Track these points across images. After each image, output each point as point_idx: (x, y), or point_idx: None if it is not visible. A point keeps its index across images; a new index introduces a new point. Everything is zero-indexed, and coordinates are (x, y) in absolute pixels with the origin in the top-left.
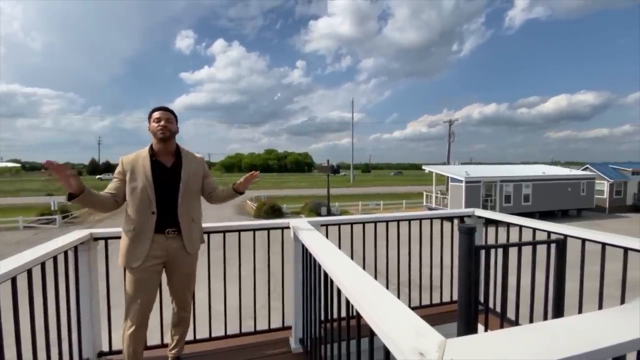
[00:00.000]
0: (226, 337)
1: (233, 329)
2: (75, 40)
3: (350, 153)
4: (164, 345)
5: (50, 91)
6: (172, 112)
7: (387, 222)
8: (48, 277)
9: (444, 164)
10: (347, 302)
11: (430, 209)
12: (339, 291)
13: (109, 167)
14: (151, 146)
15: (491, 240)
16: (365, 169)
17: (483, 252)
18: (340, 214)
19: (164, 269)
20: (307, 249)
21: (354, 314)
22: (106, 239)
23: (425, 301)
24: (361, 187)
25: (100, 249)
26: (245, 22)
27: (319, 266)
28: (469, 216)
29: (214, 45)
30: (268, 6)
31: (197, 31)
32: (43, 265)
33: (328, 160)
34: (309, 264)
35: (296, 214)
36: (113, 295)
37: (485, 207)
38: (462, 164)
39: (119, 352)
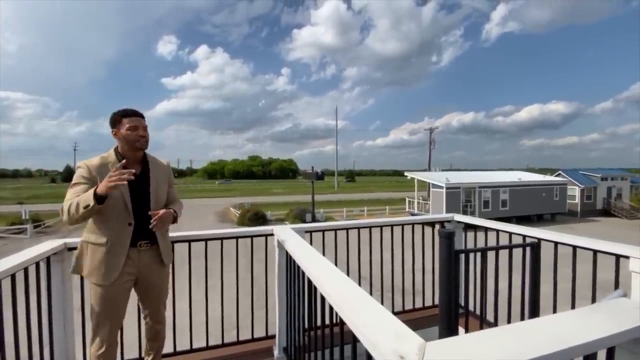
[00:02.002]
0: (208, 348)
1: (215, 340)
2: (52, 42)
3: (335, 159)
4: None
5: (24, 95)
6: (144, 117)
7: (370, 227)
8: (18, 289)
9: (425, 170)
10: (331, 309)
11: (412, 214)
12: (322, 298)
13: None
14: (116, 152)
15: (470, 245)
16: (349, 176)
17: (462, 256)
18: (325, 220)
19: (134, 285)
20: (291, 257)
21: (338, 321)
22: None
23: (408, 305)
24: (345, 193)
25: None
26: (231, 29)
27: (303, 273)
28: (449, 221)
29: (197, 51)
30: (254, 14)
31: (180, 36)
32: (13, 277)
33: (312, 167)
34: (293, 271)
35: (280, 220)
36: (88, 309)
37: (465, 212)
38: (443, 170)
39: None
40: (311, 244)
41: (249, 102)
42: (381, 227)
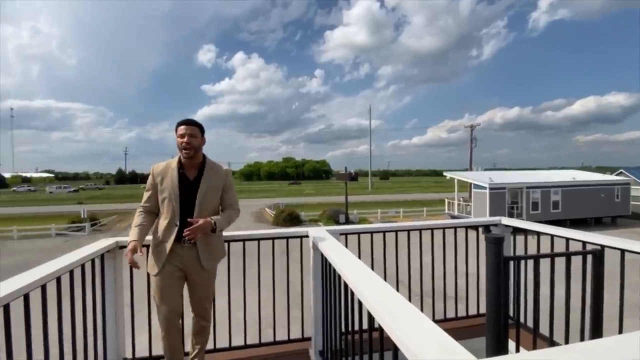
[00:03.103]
0: (246, 346)
1: (252, 338)
2: (106, 55)
3: (368, 160)
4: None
5: (82, 105)
6: (197, 124)
7: (408, 231)
8: (76, 284)
9: (466, 170)
10: (369, 314)
11: (452, 216)
12: (360, 303)
13: (135, 177)
14: (179, 158)
15: (520, 251)
16: (384, 176)
17: (512, 263)
18: (358, 222)
19: (186, 278)
20: (326, 259)
21: (376, 326)
22: None
23: (450, 313)
24: (380, 194)
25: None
26: (266, 35)
27: (339, 277)
28: (495, 225)
29: (234, 57)
30: (288, 19)
31: (219, 45)
32: (71, 272)
33: (346, 168)
34: (328, 274)
35: (314, 221)
36: (136, 302)
37: (511, 215)
38: (486, 169)
39: (143, 358)
40: (346, 246)
41: (283, 105)
42: (420, 230)
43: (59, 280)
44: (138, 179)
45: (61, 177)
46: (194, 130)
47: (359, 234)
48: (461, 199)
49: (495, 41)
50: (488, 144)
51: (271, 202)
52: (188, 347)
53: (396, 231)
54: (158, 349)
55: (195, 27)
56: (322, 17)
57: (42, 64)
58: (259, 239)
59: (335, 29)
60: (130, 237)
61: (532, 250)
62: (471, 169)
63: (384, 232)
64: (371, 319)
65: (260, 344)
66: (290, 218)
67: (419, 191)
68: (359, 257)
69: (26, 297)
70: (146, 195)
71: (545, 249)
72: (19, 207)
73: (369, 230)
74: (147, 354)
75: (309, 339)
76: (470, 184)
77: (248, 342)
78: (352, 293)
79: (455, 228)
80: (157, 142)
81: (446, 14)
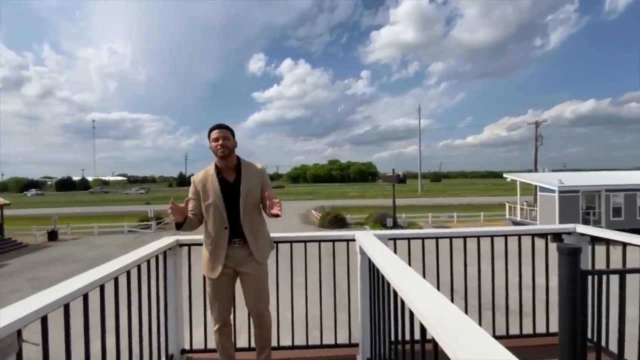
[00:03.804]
0: (293, 347)
1: (300, 339)
2: (170, 70)
3: (418, 161)
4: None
5: (150, 116)
6: (227, 128)
7: (464, 237)
8: (142, 277)
9: (529, 171)
10: (421, 325)
11: (514, 222)
12: (411, 313)
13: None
14: (215, 163)
15: (599, 264)
16: (435, 178)
17: (591, 278)
18: (407, 226)
19: (237, 277)
20: (374, 264)
21: (429, 338)
22: (189, 245)
23: (514, 330)
24: (430, 197)
25: (185, 254)
26: (312, 40)
27: (388, 284)
28: (568, 233)
29: (282, 65)
30: (334, 22)
31: (268, 53)
32: (139, 267)
33: (393, 170)
34: (376, 280)
35: (360, 224)
36: (194, 297)
37: (586, 222)
38: (554, 170)
39: (199, 350)
40: (395, 252)
41: (329, 108)
42: (478, 237)
43: (128, 273)
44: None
45: (132, 180)
46: (226, 133)
47: (408, 239)
48: (524, 203)
49: (564, 28)
50: (556, 142)
51: (317, 204)
52: (239, 341)
53: (451, 237)
54: (212, 343)
55: (246, 38)
56: (369, 18)
57: (118, 80)
58: (305, 241)
59: (382, 28)
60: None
61: (615, 264)
62: (536, 170)
63: (436, 238)
64: (423, 330)
65: (308, 346)
66: (336, 220)
67: (475, 194)
68: (409, 264)
69: (102, 288)
70: (191, 203)
71: (632, 262)
72: (99, 206)
73: (420, 235)
74: (202, 347)
75: (356, 345)
76: (536, 186)
77: (296, 343)
78: (403, 302)
79: (519, 235)
80: None
81: (504, 3)
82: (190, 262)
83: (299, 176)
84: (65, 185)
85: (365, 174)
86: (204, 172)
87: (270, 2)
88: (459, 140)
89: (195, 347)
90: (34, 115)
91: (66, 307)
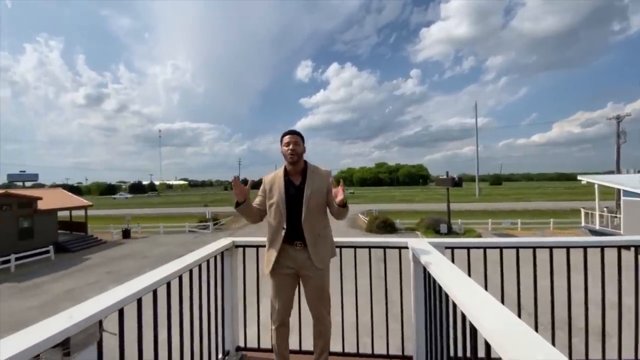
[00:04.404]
0: (344, 354)
1: (350, 346)
2: (226, 81)
3: (474, 163)
4: (304, 352)
5: (207, 124)
6: (299, 134)
7: (534, 248)
8: (202, 276)
9: (610, 172)
10: (486, 343)
11: (592, 231)
12: (473, 328)
13: (246, 184)
14: (285, 167)
15: None
16: (495, 181)
17: None
18: (463, 233)
19: (299, 280)
20: (430, 274)
21: (496, 357)
22: (244, 246)
23: (595, 354)
24: (490, 202)
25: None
26: (360, 42)
27: (446, 296)
28: None
29: (328, 70)
30: (382, 23)
31: (315, 59)
32: (200, 266)
33: (447, 172)
34: (432, 290)
35: (411, 230)
36: (248, 299)
37: None
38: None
39: (253, 349)
40: (452, 261)
41: (376, 110)
42: (551, 248)
43: (191, 272)
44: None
45: (192, 185)
46: (297, 138)
47: (468, 248)
48: (604, 209)
49: None
50: None
51: (364, 208)
52: (292, 343)
53: (517, 247)
54: (264, 342)
55: (294, 46)
56: (418, 15)
57: (180, 93)
58: (355, 247)
59: (432, 24)
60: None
61: None
62: (618, 171)
63: (500, 248)
64: (488, 348)
65: (359, 354)
66: (385, 225)
67: (542, 199)
68: (469, 276)
69: (168, 285)
70: (257, 199)
71: None
72: (164, 207)
73: (481, 244)
74: (256, 345)
75: (410, 357)
76: (618, 190)
77: (346, 350)
78: (464, 317)
79: (602, 247)
80: (263, 153)
81: None
82: (244, 263)
83: (346, 180)
84: (137, 188)
85: (416, 177)
86: (274, 174)
87: (317, 10)
88: (522, 139)
89: (249, 345)
90: (111, 127)
91: (139, 301)
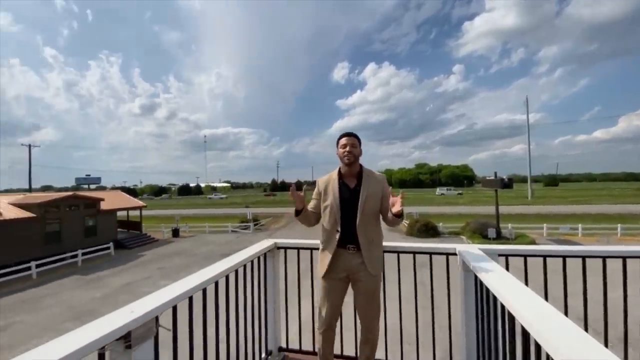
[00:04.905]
0: None
1: (393, 353)
2: (265, 87)
3: (525, 162)
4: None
5: (248, 129)
6: (356, 136)
7: (604, 257)
8: (247, 276)
9: None
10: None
11: None
12: (537, 346)
13: (284, 185)
14: (339, 169)
15: None
16: (551, 182)
17: None
18: (514, 238)
19: (349, 285)
20: (482, 283)
21: None
22: (286, 248)
23: None
24: (545, 204)
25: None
26: (398, 40)
27: (502, 307)
28: None
29: (365, 70)
30: (422, 19)
31: (351, 60)
32: (244, 267)
33: (496, 173)
34: (485, 301)
35: (455, 234)
36: (289, 299)
37: None
38: None
39: (295, 350)
40: (507, 269)
41: (415, 109)
42: (624, 257)
43: (236, 272)
44: (286, 187)
45: (234, 186)
46: (354, 141)
47: (525, 256)
48: None
49: None
50: None
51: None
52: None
53: (583, 257)
54: (306, 344)
55: (331, 48)
56: (461, 9)
57: (223, 99)
58: (398, 252)
59: (476, 17)
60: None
61: None
62: None
63: (563, 257)
64: None
65: None
66: (426, 229)
67: (608, 201)
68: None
69: (216, 285)
70: (312, 202)
71: None
72: (209, 208)
73: (541, 252)
74: (298, 347)
75: None
76: None
77: (389, 358)
78: (525, 332)
79: None
80: (300, 155)
81: None
82: (286, 264)
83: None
84: (185, 190)
85: (460, 178)
86: (328, 176)
87: (353, 10)
88: (582, 135)
89: (291, 346)
90: (162, 134)
91: (190, 299)
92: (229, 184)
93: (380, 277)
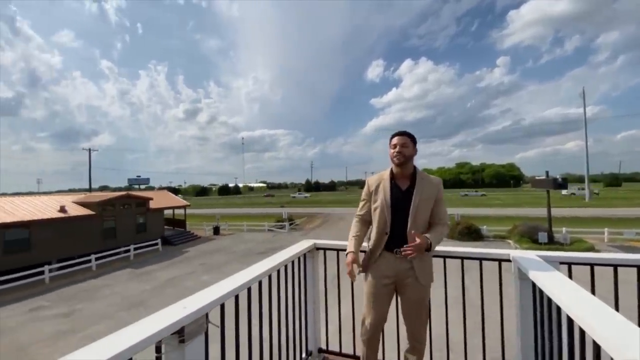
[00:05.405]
0: None
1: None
2: (300, 89)
3: (581, 160)
4: None
5: (283, 130)
6: (409, 135)
7: None
8: (288, 276)
9: None
10: None
11: None
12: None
13: (318, 186)
14: (391, 169)
15: None
16: (613, 182)
17: None
18: (570, 244)
19: (395, 291)
20: (542, 293)
21: None
22: (325, 249)
23: None
24: (606, 207)
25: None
26: (436, 35)
27: (569, 322)
28: None
29: (401, 67)
30: (462, 10)
31: (386, 58)
32: (286, 267)
33: (547, 172)
34: (545, 313)
35: (501, 238)
36: (329, 302)
37: None
38: None
39: (335, 352)
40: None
41: (455, 106)
42: None
43: (278, 272)
44: (320, 187)
45: (270, 187)
46: (406, 140)
47: (592, 265)
48: None
49: None
50: None
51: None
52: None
53: None
54: (346, 347)
55: (365, 47)
56: None
57: (260, 103)
58: (445, 256)
59: (523, 5)
60: (348, 248)
61: None
62: None
63: (638, 267)
64: None
65: None
66: (469, 232)
67: None
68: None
69: (260, 284)
70: (361, 204)
71: None
72: (247, 208)
73: (611, 261)
74: (338, 349)
75: None
76: None
77: None
78: (598, 348)
79: None
80: (334, 155)
81: None
82: (325, 265)
83: None
84: (224, 190)
85: (505, 178)
86: (379, 175)
87: (389, 7)
88: None
89: (331, 348)
90: (204, 137)
91: (236, 298)
92: (264, 184)
93: (430, 287)
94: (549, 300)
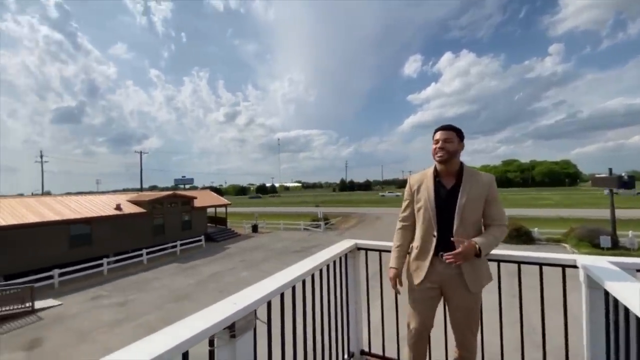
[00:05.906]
0: None
1: None
2: (334, 89)
3: None
4: None
5: (318, 131)
6: (454, 129)
7: None
8: (330, 276)
9: None
10: None
11: None
12: None
13: (352, 185)
14: (435, 166)
15: None
16: None
17: None
18: (637, 249)
19: (442, 297)
20: (619, 305)
21: None
22: (367, 250)
23: None
24: None
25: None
26: (479, 24)
27: None
28: None
29: (440, 61)
30: None
31: (424, 52)
32: (327, 266)
33: (610, 170)
34: (623, 328)
35: (555, 241)
36: (372, 302)
37: None
38: None
39: (378, 356)
40: None
41: (500, 99)
42: None
43: (320, 272)
44: (355, 187)
45: (305, 186)
46: (450, 134)
47: None
48: None
49: None
50: None
51: None
52: None
53: None
54: (390, 352)
55: (401, 42)
56: None
57: (295, 104)
58: (498, 260)
59: None
60: (391, 262)
61: None
62: None
63: None
64: None
65: None
66: (518, 234)
67: None
68: None
69: (303, 283)
70: (403, 205)
71: None
72: (283, 207)
73: None
74: (381, 353)
75: None
76: None
77: None
78: None
79: None
80: (369, 154)
81: None
82: (367, 266)
83: None
84: (262, 190)
85: (559, 176)
86: (421, 173)
87: (425, 1)
88: None
89: (373, 351)
90: (242, 139)
91: (282, 296)
92: (300, 184)
93: (481, 294)
94: (627, 312)
